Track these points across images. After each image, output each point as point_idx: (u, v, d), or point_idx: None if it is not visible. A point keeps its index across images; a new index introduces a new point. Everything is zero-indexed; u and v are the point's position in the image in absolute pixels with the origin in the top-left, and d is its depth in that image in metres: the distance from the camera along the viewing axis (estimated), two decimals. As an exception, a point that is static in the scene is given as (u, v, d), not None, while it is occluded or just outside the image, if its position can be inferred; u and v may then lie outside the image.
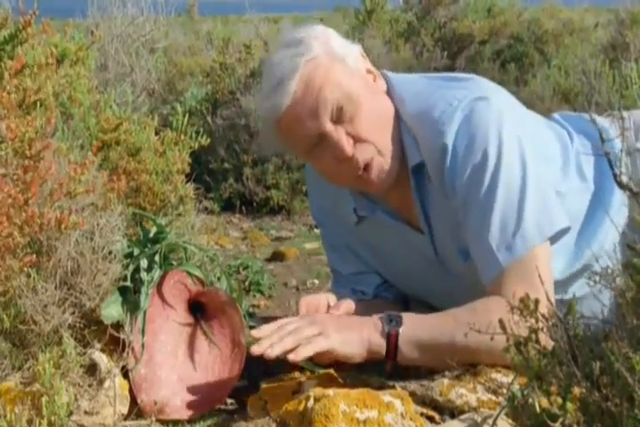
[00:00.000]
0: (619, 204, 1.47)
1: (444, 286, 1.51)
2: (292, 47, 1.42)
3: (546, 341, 0.86)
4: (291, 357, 1.24)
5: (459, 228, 1.40)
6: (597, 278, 0.90)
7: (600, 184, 1.51)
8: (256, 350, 1.25)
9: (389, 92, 1.47)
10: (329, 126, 1.39)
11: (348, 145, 1.39)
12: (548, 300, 0.89)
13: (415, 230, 1.50)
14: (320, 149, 1.42)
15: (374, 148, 1.41)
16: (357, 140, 1.40)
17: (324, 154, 1.42)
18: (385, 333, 1.31)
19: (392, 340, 1.31)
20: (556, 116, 1.66)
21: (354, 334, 1.31)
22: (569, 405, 0.76)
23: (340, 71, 1.40)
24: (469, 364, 1.29)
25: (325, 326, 1.30)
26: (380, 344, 1.31)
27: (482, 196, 1.35)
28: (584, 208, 1.49)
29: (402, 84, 1.47)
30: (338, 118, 1.39)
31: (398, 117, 1.45)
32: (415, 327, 1.32)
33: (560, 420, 0.76)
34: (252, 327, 1.52)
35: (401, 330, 1.31)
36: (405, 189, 1.46)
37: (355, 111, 1.39)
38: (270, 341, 1.26)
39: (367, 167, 1.42)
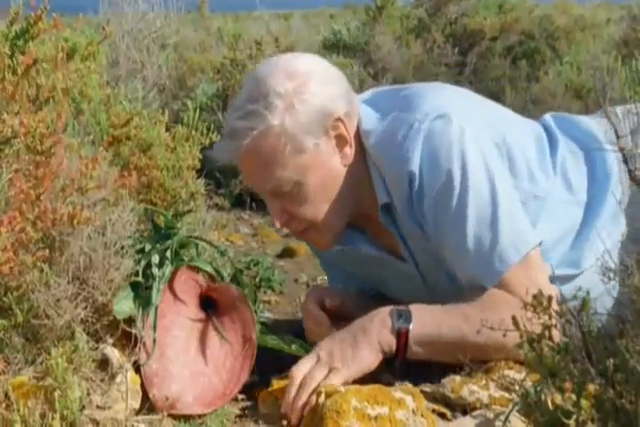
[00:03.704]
0: (612, 212, 1.44)
1: (438, 302, 1.50)
2: (254, 103, 1.34)
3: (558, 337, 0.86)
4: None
5: (438, 253, 1.38)
6: (612, 275, 0.90)
7: (591, 191, 1.47)
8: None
9: (358, 129, 1.41)
10: (267, 195, 1.41)
11: (280, 218, 1.41)
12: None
13: (399, 259, 1.47)
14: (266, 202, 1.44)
15: (309, 221, 1.41)
16: (292, 216, 1.40)
17: (268, 207, 1.44)
18: (395, 330, 1.30)
19: (402, 337, 1.30)
20: (547, 117, 1.60)
21: (362, 348, 1.29)
22: (583, 402, 0.76)
23: (288, 153, 1.34)
24: (480, 360, 1.29)
25: (332, 359, 1.28)
26: (391, 343, 1.30)
27: (451, 219, 1.32)
28: (574, 221, 1.44)
29: (367, 118, 1.41)
30: (275, 194, 1.39)
31: (366, 157, 1.40)
32: (424, 324, 1.31)
33: (574, 417, 0.76)
34: (262, 324, 1.53)
35: (411, 327, 1.30)
36: (380, 221, 1.44)
37: (294, 193, 1.37)
38: (288, 405, 1.26)
39: (303, 233, 1.45)
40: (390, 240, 1.45)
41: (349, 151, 1.39)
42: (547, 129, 1.54)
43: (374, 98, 1.48)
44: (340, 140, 1.38)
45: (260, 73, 1.39)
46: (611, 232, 1.39)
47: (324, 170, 1.37)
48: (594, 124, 1.56)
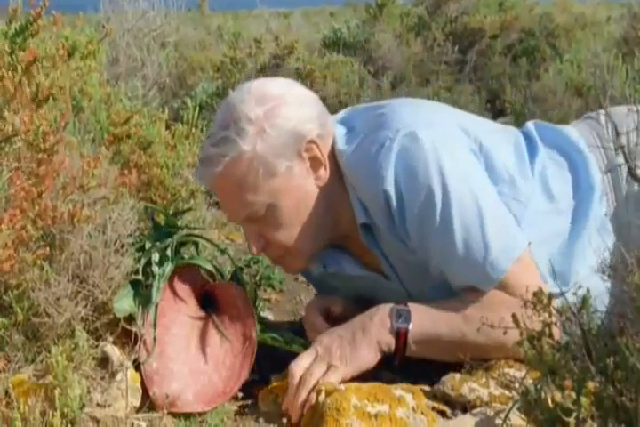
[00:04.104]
0: (599, 223, 1.42)
1: None
2: (226, 129, 1.34)
3: (559, 334, 0.86)
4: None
5: (423, 268, 1.37)
6: (612, 273, 0.90)
7: (575, 200, 1.45)
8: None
9: (333, 150, 1.40)
10: (243, 221, 1.40)
11: (257, 243, 1.40)
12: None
13: (383, 277, 1.46)
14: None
15: (285, 248, 1.40)
16: (268, 241, 1.40)
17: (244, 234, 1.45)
18: (394, 330, 1.30)
19: (401, 337, 1.30)
20: (529, 125, 1.57)
21: (361, 347, 1.30)
22: (583, 399, 0.76)
23: (260, 178, 1.34)
24: (480, 358, 1.29)
25: (330, 355, 1.29)
26: (390, 343, 1.31)
27: (438, 234, 1.30)
28: (557, 229, 1.42)
29: (340, 137, 1.41)
30: (251, 219, 1.38)
31: (342, 176, 1.40)
32: (424, 323, 1.31)
33: (574, 415, 0.76)
34: (262, 322, 1.53)
35: (410, 327, 1.30)
36: (361, 241, 1.42)
37: (268, 218, 1.37)
38: (289, 402, 1.27)
39: (279, 260, 1.45)
40: (373, 258, 1.44)
41: (324, 173, 1.39)
42: (527, 137, 1.52)
43: (349, 118, 1.47)
44: (315, 162, 1.38)
45: (233, 99, 1.39)
46: (599, 244, 1.35)
47: (298, 193, 1.37)
48: (575, 133, 1.54)
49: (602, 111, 1.49)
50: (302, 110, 1.37)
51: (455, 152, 1.34)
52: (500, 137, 1.48)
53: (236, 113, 1.35)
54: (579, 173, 1.47)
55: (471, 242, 1.29)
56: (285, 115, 1.35)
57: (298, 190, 1.37)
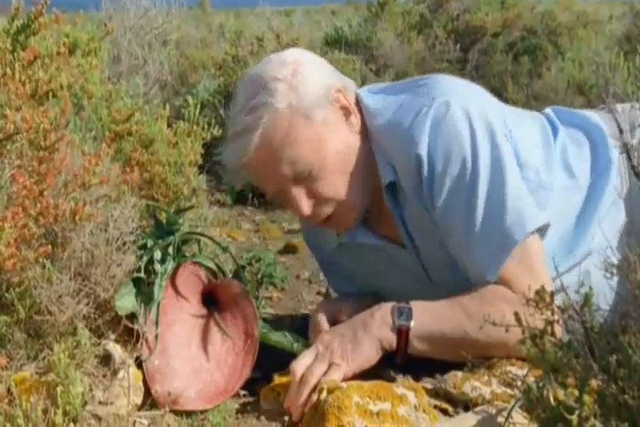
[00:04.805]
0: (613, 199, 1.43)
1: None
2: (256, 96, 1.37)
3: (561, 332, 0.86)
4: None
5: (442, 242, 1.38)
6: (614, 271, 0.90)
7: (592, 177, 1.47)
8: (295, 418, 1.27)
9: (362, 112, 1.44)
10: (288, 185, 1.39)
11: (305, 205, 1.39)
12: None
13: (399, 246, 1.47)
14: (285, 198, 1.43)
15: (336, 202, 1.40)
16: (318, 198, 1.39)
17: (288, 202, 1.43)
18: (395, 328, 1.30)
19: (403, 335, 1.30)
20: (547, 110, 1.61)
21: (362, 344, 1.30)
22: (586, 397, 0.75)
23: (302, 128, 1.36)
24: (481, 356, 1.29)
25: (332, 354, 1.29)
26: (391, 340, 1.31)
27: (463, 205, 1.32)
28: (574, 205, 1.44)
29: (373, 100, 1.44)
30: (298, 178, 1.38)
31: (369, 137, 1.42)
32: (425, 321, 1.31)
33: (576, 413, 0.76)
34: (264, 320, 1.53)
35: (412, 324, 1.30)
36: (382, 205, 1.43)
37: (316, 170, 1.37)
38: (290, 401, 1.27)
39: (328, 219, 1.43)
40: (392, 230, 1.45)
41: (355, 121, 1.43)
42: (548, 119, 1.56)
43: (375, 86, 1.53)
44: (345, 111, 1.43)
45: (253, 71, 1.45)
46: (612, 221, 1.40)
47: (338, 141, 1.40)
48: (596, 116, 1.57)
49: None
50: (321, 67, 1.46)
51: (488, 124, 1.36)
52: (528, 120, 1.52)
53: (263, 80, 1.39)
54: (597, 149, 1.50)
55: (490, 212, 1.31)
56: (309, 72, 1.41)
57: (338, 139, 1.40)
